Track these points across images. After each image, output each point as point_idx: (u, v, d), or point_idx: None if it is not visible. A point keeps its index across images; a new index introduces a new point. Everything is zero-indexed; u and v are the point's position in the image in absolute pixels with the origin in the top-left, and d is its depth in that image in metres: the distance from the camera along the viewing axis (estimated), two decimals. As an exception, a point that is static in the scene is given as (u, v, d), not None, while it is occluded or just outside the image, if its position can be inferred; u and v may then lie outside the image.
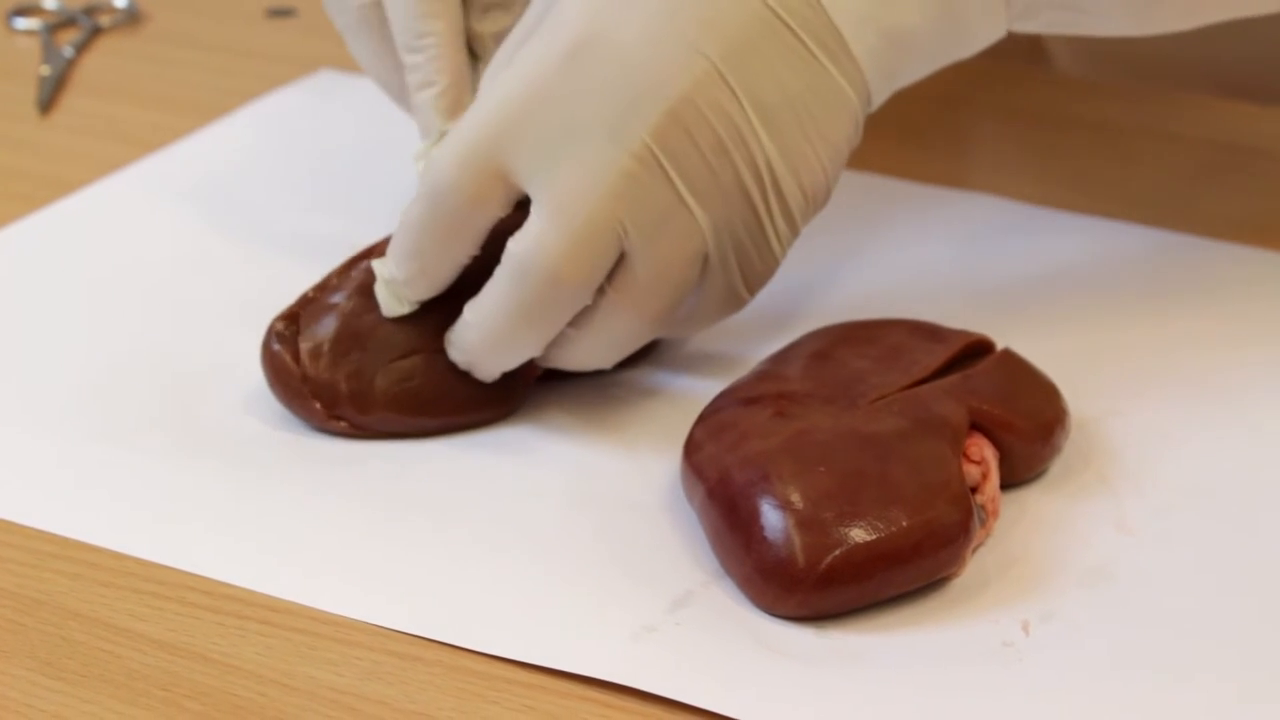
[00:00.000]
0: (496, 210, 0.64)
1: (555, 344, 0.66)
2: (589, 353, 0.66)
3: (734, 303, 0.66)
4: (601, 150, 0.62)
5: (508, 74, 0.64)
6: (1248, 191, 0.82)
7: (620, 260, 0.64)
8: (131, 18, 1.02)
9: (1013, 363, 0.66)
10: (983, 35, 0.67)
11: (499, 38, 0.72)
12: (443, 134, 0.70)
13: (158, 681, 0.57)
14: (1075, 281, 0.76)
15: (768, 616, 0.59)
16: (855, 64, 0.64)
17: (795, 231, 0.65)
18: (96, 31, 1.00)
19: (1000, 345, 0.66)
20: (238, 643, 0.59)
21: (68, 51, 0.98)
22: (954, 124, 0.74)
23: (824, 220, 0.69)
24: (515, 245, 0.63)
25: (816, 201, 0.65)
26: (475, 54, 0.72)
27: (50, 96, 0.94)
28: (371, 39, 0.73)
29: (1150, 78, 0.91)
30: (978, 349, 0.66)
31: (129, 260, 0.79)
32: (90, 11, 1.02)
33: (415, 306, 0.67)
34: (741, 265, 0.65)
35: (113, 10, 1.02)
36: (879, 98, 0.66)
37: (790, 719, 0.55)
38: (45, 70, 0.96)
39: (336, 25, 0.74)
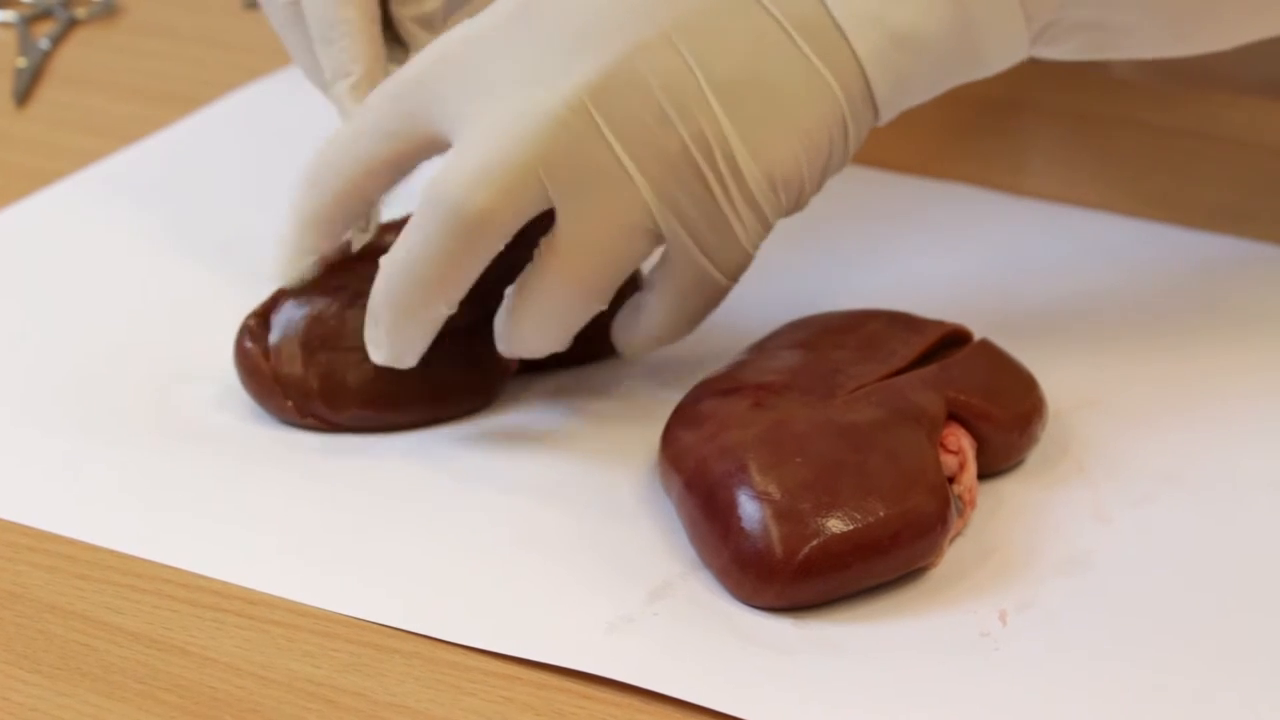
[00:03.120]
0: (412, 147, 0.64)
1: (501, 317, 0.65)
2: (535, 327, 0.65)
3: (709, 287, 0.65)
4: (531, 96, 0.61)
5: (454, 27, 0.64)
6: (1225, 180, 0.83)
7: (552, 218, 0.63)
8: (108, 9, 1.01)
9: (990, 353, 0.66)
10: (1001, 52, 0.65)
11: (421, 21, 0.71)
12: None
13: (135, 674, 0.57)
14: (1052, 271, 0.76)
15: (745, 607, 0.59)
16: (856, 64, 0.63)
17: (763, 219, 0.64)
18: (73, 23, 1.00)
19: (978, 335, 0.67)
20: (215, 635, 0.59)
21: (44, 43, 0.97)
22: (929, 115, 0.74)
23: (805, 212, 0.69)
24: (430, 179, 0.63)
25: (789, 191, 0.64)
26: (402, 41, 0.72)
27: (26, 89, 0.93)
28: (297, 35, 0.72)
29: (1159, 72, 0.91)
30: (955, 339, 0.66)
31: (106, 253, 0.79)
32: (66, 3, 1.01)
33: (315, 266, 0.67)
34: (702, 246, 0.64)
35: (89, 2, 1.02)
36: (888, 103, 0.64)
37: (768, 709, 0.55)
38: (21, 62, 0.95)
39: (271, 24, 0.73)
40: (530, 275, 0.64)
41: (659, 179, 0.62)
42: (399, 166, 0.65)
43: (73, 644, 0.58)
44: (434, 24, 0.72)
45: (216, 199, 0.83)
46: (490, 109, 0.62)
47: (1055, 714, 0.55)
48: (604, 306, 0.65)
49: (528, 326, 0.65)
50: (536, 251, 0.63)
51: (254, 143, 0.87)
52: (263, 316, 0.68)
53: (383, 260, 0.64)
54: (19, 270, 0.78)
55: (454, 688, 0.57)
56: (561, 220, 0.62)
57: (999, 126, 0.88)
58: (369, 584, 0.60)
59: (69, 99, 0.93)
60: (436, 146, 0.64)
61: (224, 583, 0.61)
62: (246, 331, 0.68)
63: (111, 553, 0.62)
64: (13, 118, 0.91)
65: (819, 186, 0.65)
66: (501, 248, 0.63)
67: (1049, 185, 0.82)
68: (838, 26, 0.62)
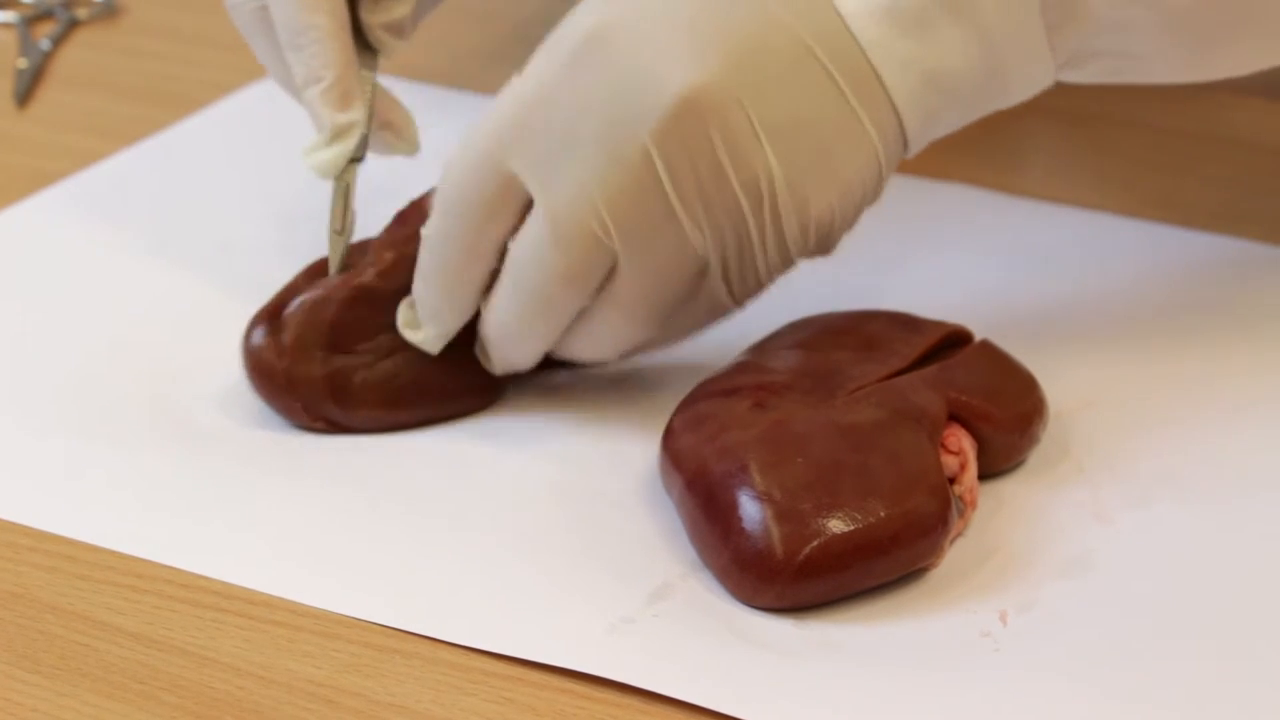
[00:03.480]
0: (510, 219, 0.64)
1: (561, 339, 0.66)
2: (591, 348, 0.66)
3: (719, 312, 0.66)
4: (596, 157, 0.61)
5: (516, 78, 0.63)
6: (1225, 181, 0.83)
7: (614, 266, 0.63)
8: (109, 10, 1.02)
9: (991, 353, 0.66)
10: (1027, 83, 0.65)
11: (391, 28, 0.71)
12: (336, 128, 0.69)
13: (135, 675, 0.57)
14: (1053, 272, 0.76)
15: (746, 608, 0.59)
16: (891, 107, 0.63)
17: (788, 260, 0.64)
18: (74, 24, 1.00)
19: (978, 336, 0.67)
20: (215, 636, 0.59)
21: (45, 44, 0.97)
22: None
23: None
24: (514, 249, 0.63)
25: (819, 237, 0.64)
26: (372, 47, 0.71)
27: (27, 89, 0.94)
28: (265, 40, 0.72)
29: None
30: (956, 340, 0.66)
31: (106, 254, 0.79)
32: (67, 4, 1.01)
33: (446, 340, 0.67)
34: (728, 280, 0.64)
35: (90, 3, 1.02)
36: (918, 139, 0.64)
37: (768, 710, 0.55)
38: (22, 63, 0.95)
39: (239, 30, 0.73)
40: (593, 318, 0.65)
41: (712, 222, 0.62)
42: (505, 235, 0.64)
43: (73, 644, 0.58)
44: (403, 30, 0.72)
45: (217, 200, 0.83)
46: (561, 173, 0.62)
47: (1056, 714, 0.55)
48: (661, 336, 0.66)
49: (586, 348, 0.66)
50: (597, 296, 0.64)
51: (254, 144, 0.88)
52: (274, 314, 0.67)
53: (484, 309, 0.65)
54: (19, 270, 0.78)
55: (454, 688, 0.57)
56: (624, 270, 0.63)
57: (999, 127, 0.87)
58: (369, 584, 0.60)
59: (70, 100, 0.93)
60: (525, 203, 0.64)
61: (224, 583, 0.61)
62: (257, 329, 0.67)
63: (112, 553, 0.62)
64: (13, 118, 0.91)
65: (850, 226, 0.65)
66: (588, 300, 0.64)
67: (1049, 185, 0.82)
68: (874, 70, 0.62)
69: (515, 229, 0.64)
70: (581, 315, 0.65)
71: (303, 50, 0.69)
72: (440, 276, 0.65)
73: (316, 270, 0.69)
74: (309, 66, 0.69)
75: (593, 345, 0.66)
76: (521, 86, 0.63)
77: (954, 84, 0.63)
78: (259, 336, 0.67)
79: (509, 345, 0.66)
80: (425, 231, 0.65)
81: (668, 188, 0.61)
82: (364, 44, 0.71)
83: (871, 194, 0.65)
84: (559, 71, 0.62)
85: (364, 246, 0.69)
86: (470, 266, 0.65)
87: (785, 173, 0.62)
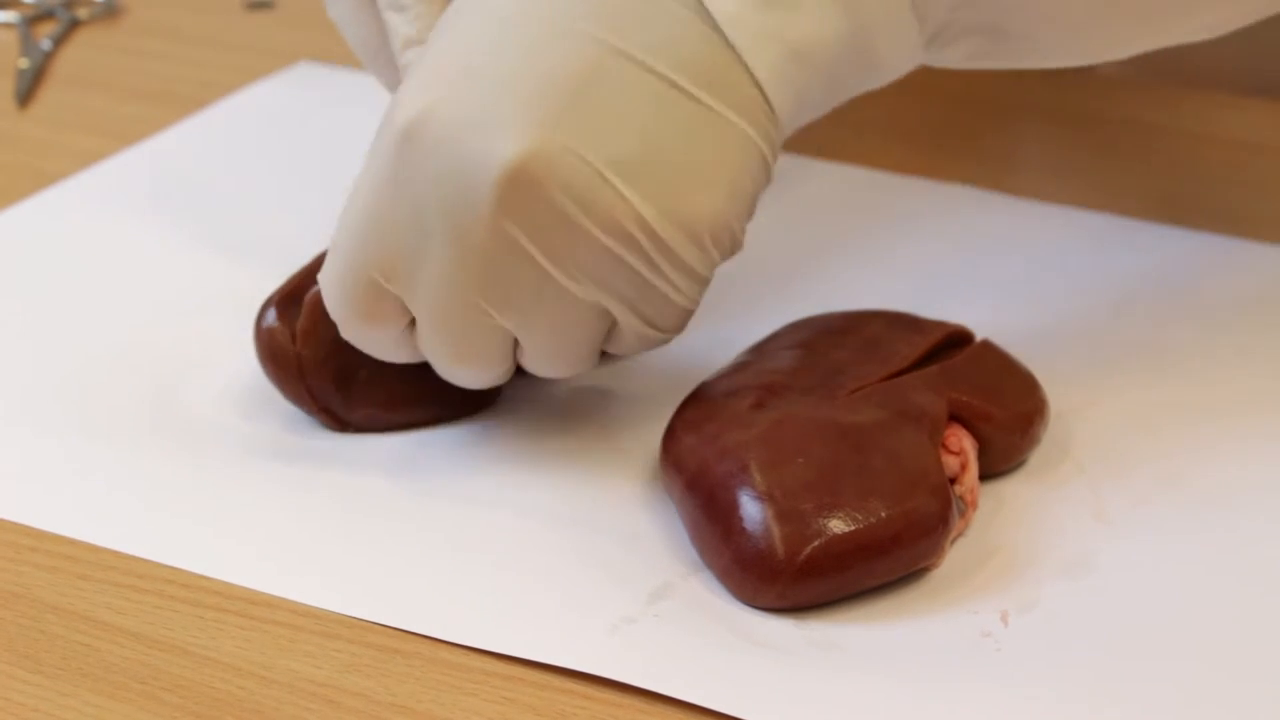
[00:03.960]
0: (400, 318, 0.63)
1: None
2: (539, 372, 0.65)
3: (653, 343, 0.64)
4: (451, 250, 0.60)
5: (354, 185, 0.62)
6: (1226, 181, 0.83)
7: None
8: (110, 10, 1.02)
9: (991, 354, 0.66)
10: (894, 58, 0.62)
11: None
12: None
13: (136, 675, 0.57)
14: (1054, 272, 0.76)
15: (747, 608, 0.59)
16: (756, 88, 0.60)
17: (698, 278, 0.62)
18: (74, 24, 1.00)
19: (979, 336, 0.67)
20: (216, 636, 0.59)
21: (46, 44, 0.97)
22: (931, 116, 0.74)
23: (804, 212, 0.69)
24: (420, 345, 0.64)
25: (721, 247, 0.61)
26: None
27: (28, 89, 0.93)
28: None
29: (1166, 70, 0.91)
30: (957, 340, 0.66)
31: (108, 253, 0.79)
32: (68, 4, 1.01)
33: None
34: (642, 317, 0.62)
35: (91, 3, 1.02)
36: (790, 120, 0.62)
37: (769, 710, 0.55)
38: (23, 63, 0.95)
39: None
40: (522, 360, 0.64)
41: (595, 279, 0.60)
42: (401, 333, 0.64)
43: (74, 644, 0.58)
44: None
45: (217, 200, 0.83)
46: (423, 270, 0.61)
47: (1057, 714, 0.55)
48: (589, 369, 0.65)
49: (536, 369, 0.65)
50: (520, 356, 0.64)
51: (255, 143, 0.87)
52: (290, 297, 0.67)
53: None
54: (19, 270, 0.78)
55: (455, 688, 0.57)
56: (525, 338, 0.63)
57: (998, 127, 0.88)
58: (370, 584, 0.60)
59: (70, 100, 0.93)
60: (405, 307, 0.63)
61: (225, 583, 0.61)
62: (271, 312, 0.67)
63: (113, 553, 0.62)
64: (14, 118, 0.91)
65: (750, 217, 0.63)
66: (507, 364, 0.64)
67: (1049, 186, 0.82)
68: (733, 49, 0.60)
69: (405, 327, 0.64)
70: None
71: (406, 10, 0.67)
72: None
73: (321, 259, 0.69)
74: (414, 27, 0.67)
75: (541, 371, 0.65)
76: (358, 198, 0.62)
77: (819, 57, 0.60)
78: (273, 318, 0.67)
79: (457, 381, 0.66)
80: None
81: (536, 256, 0.59)
82: None
83: (762, 182, 0.62)
84: (387, 175, 0.60)
85: None
86: (392, 355, 0.65)
87: (654, 204, 0.59)
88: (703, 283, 0.62)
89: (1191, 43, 0.66)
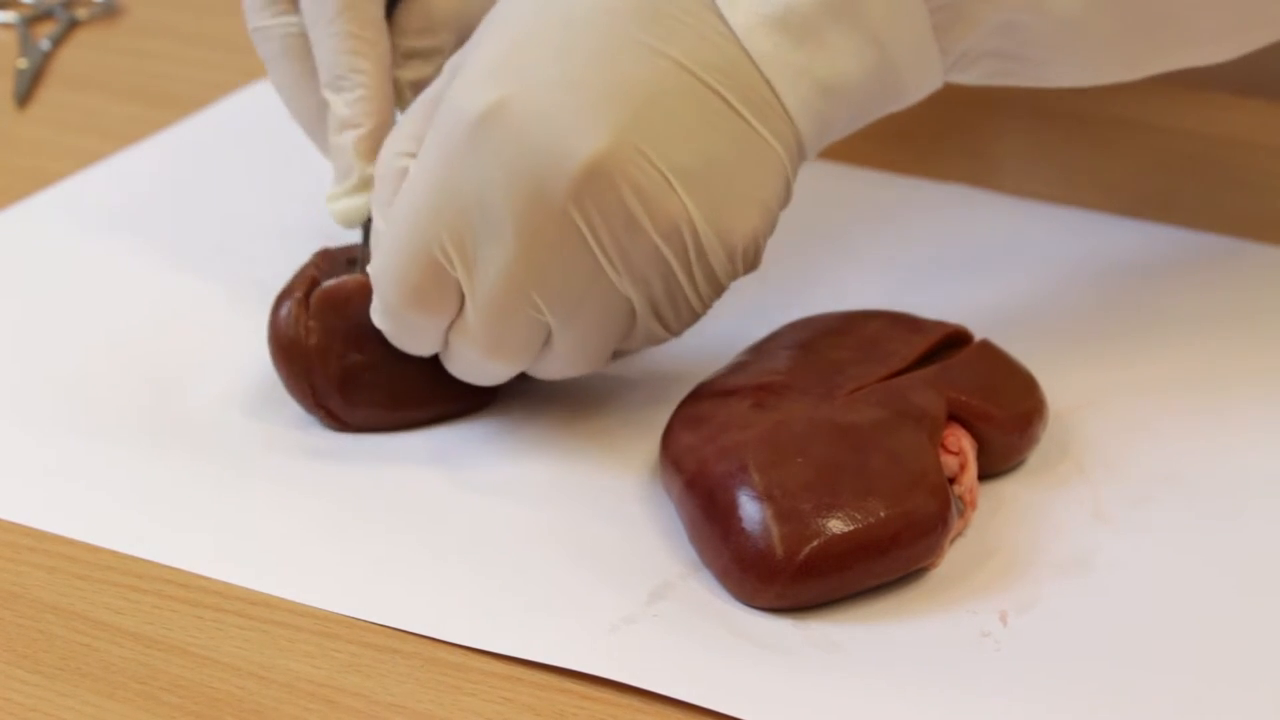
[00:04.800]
0: (450, 310, 0.64)
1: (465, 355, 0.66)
2: (551, 373, 0.66)
3: (658, 342, 0.66)
4: (516, 238, 0.61)
5: (418, 165, 0.63)
6: (1226, 182, 0.83)
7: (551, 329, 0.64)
8: (109, 10, 1.02)
9: (991, 354, 0.66)
10: (918, 85, 0.64)
11: (417, 86, 0.70)
12: (364, 178, 0.68)
13: (135, 675, 0.57)
14: (1053, 272, 0.76)
15: (746, 608, 0.59)
16: (787, 118, 0.62)
17: (719, 288, 0.64)
18: (73, 24, 1.00)
19: (978, 336, 0.67)
20: (215, 636, 0.59)
21: (45, 44, 0.97)
22: (928, 116, 0.74)
23: (804, 213, 0.69)
24: (453, 337, 0.64)
25: (746, 261, 0.64)
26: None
27: (27, 90, 0.94)
28: (293, 69, 0.71)
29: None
30: (956, 340, 0.66)
31: (106, 254, 0.79)
32: (67, 4, 1.02)
33: None
34: (660, 317, 0.64)
35: (90, 3, 1.02)
36: (813, 150, 0.64)
37: (769, 710, 0.55)
38: (22, 63, 0.95)
39: (260, 52, 0.72)
40: (540, 364, 0.65)
41: (639, 279, 0.62)
42: (448, 324, 0.65)
43: (73, 644, 0.58)
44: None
45: (216, 200, 0.83)
46: (482, 256, 0.62)
47: (1056, 714, 0.55)
48: (596, 369, 0.66)
49: (547, 373, 0.66)
50: (545, 354, 0.65)
51: (254, 144, 0.87)
52: (306, 291, 0.67)
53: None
54: (19, 271, 0.78)
55: (454, 688, 0.57)
56: (558, 333, 0.63)
57: (998, 127, 0.88)
58: (369, 584, 0.60)
59: (69, 100, 0.93)
60: (459, 291, 0.64)
61: (224, 583, 0.61)
62: (288, 303, 0.66)
63: (112, 553, 0.62)
64: (13, 118, 0.91)
65: (770, 234, 0.64)
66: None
67: (1049, 186, 0.82)
68: (768, 83, 0.62)
69: (454, 317, 0.64)
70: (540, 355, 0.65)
71: (344, 93, 0.68)
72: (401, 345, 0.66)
73: (329, 257, 0.69)
74: (350, 110, 0.68)
75: (552, 373, 0.66)
76: (421, 183, 0.62)
77: (846, 90, 0.63)
78: (288, 309, 0.67)
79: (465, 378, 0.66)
80: (376, 323, 0.65)
81: (595, 251, 0.61)
82: None
83: (783, 203, 0.64)
84: (455, 159, 0.61)
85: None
86: (424, 348, 0.66)
87: (704, 213, 0.61)
88: (720, 292, 0.64)
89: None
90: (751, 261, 0.64)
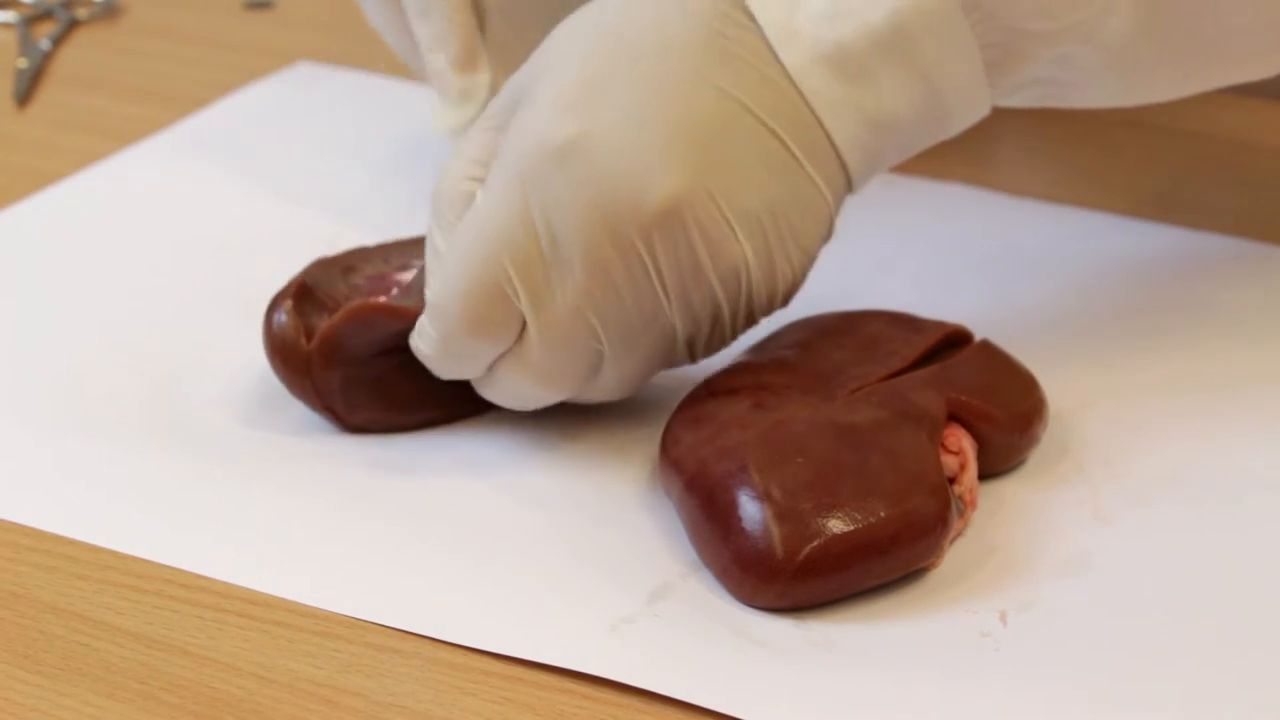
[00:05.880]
0: (509, 337, 0.63)
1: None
2: (588, 399, 0.66)
3: (676, 366, 0.66)
4: (585, 269, 0.61)
5: (487, 190, 0.63)
6: (1225, 181, 0.83)
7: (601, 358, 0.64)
8: (109, 10, 1.02)
9: (991, 353, 0.66)
10: (965, 114, 0.65)
11: (502, 7, 0.72)
12: (463, 91, 0.71)
13: (135, 675, 0.57)
14: (1053, 272, 0.76)
15: (746, 608, 0.59)
16: (835, 155, 0.63)
17: (752, 324, 0.65)
18: (73, 24, 1.00)
19: (978, 336, 0.67)
20: (216, 636, 0.59)
21: (45, 44, 0.97)
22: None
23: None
24: (502, 366, 0.64)
25: (785, 300, 0.65)
26: (480, 20, 0.72)
27: (27, 89, 0.94)
28: (385, 7, 0.73)
29: None
30: (956, 339, 0.66)
31: (107, 253, 0.79)
32: (67, 4, 1.02)
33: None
34: (693, 347, 0.65)
35: (90, 3, 1.02)
36: (861, 180, 0.65)
37: (769, 710, 0.55)
38: (22, 63, 0.95)
39: None
40: (588, 388, 0.65)
41: (693, 318, 0.63)
42: (503, 349, 0.64)
43: (73, 644, 0.58)
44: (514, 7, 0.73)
45: (216, 200, 0.83)
46: (554, 283, 0.62)
47: (1056, 714, 0.55)
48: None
49: (588, 399, 0.66)
50: (590, 382, 0.65)
51: (254, 143, 0.88)
52: (301, 296, 0.67)
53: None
54: (18, 271, 0.78)
55: (454, 688, 0.57)
56: (609, 365, 0.64)
57: (997, 127, 0.88)
58: (369, 584, 0.60)
59: (69, 100, 0.93)
60: (520, 318, 0.64)
61: (224, 583, 0.61)
62: (282, 310, 0.66)
63: (112, 553, 0.62)
64: (13, 118, 0.91)
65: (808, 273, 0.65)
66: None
67: (1050, 186, 0.82)
68: (817, 119, 0.62)
69: (509, 344, 0.64)
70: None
71: (430, 16, 0.71)
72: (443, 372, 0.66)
73: (324, 266, 0.69)
74: (434, 35, 0.71)
75: (580, 400, 0.66)
76: (491, 211, 0.62)
77: (896, 125, 0.63)
78: (283, 315, 0.66)
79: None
80: (419, 348, 0.65)
81: (657, 288, 0.62)
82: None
83: (825, 242, 0.65)
84: (528, 189, 0.61)
85: (405, 249, 0.70)
86: (466, 373, 0.65)
87: (758, 260, 0.62)
88: (752, 325, 0.65)
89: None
90: (787, 301, 0.65)
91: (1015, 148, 0.87)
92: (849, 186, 0.64)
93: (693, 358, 0.65)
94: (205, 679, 0.57)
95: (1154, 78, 0.66)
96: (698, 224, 0.61)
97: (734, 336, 0.65)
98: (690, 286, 0.62)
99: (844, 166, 0.63)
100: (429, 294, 0.64)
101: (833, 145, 0.63)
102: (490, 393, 0.65)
